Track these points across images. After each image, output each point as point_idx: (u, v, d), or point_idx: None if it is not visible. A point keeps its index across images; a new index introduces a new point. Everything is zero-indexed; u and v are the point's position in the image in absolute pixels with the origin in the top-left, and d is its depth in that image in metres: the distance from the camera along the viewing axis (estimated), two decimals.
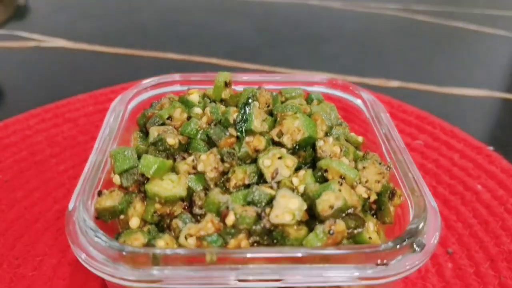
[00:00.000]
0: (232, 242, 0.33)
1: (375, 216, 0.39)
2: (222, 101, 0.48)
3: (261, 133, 0.40)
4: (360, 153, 0.43)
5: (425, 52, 1.08)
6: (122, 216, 0.37)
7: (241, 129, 0.40)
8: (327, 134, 0.43)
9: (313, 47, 1.08)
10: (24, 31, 1.06)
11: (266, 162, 0.38)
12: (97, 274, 0.32)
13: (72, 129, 0.67)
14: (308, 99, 0.51)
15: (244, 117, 0.41)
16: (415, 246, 0.33)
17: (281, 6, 1.35)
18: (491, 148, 0.65)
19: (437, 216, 0.36)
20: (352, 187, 0.37)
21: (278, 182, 0.38)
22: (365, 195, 0.38)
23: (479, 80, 0.93)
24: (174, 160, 0.40)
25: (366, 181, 0.39)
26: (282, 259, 0.31)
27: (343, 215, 0.35)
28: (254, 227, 0.33)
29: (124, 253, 0.31)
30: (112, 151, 0.40)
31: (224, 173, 0.39)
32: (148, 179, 0.37)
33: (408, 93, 0.86)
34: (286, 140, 0.40)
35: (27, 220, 0.52)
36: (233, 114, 0.42)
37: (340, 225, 0.33)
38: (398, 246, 0.32)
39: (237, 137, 0.41)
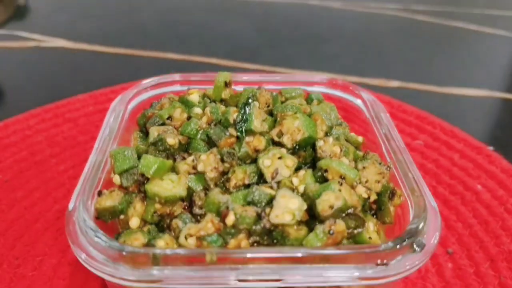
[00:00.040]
0: (232, 242, 0.33)
1: (375, 216, 0.39)
2: (222, 101, 0.48)
3: (261, 133, 0.40)
4: (360, 153, 0.43)
5: (425, 52, 1.08)
6: (122, 216, 0.37)
7: (241, 129, 0.40)
8: (327, 134, 0.43)
9: (313, 47, 1.08)
10: (24, 31, 1.06)
11: (266, 162, 0.38)
12: (97, 274, 0.32)
13: (72, 129, 0.67)
14: (308, 99, 0.51)
15: (244, 117, 0.41)
16: (415, 246, 0.33)
17: (281, 6, 1.35)
18: (491, 148, 0.65)
19: (437, 216, 0.36)
20: (352, 187, 0.37)
21: (278, 182, 0.38)
22: (365, 195, 0.38)
23: (479, 80, 0.93)
24: (174, 160, 0.40)
25: (366, 181, 0.39)
26: (282, 259, 0.31)
27: (343, 215, 0.35)
28: (254, 227, 0.33)
29: (124, 253, 0.31)
30: (112, 151, 0.40)
31: (224, 173, 0.39)
32: (148, 179, 0.37)
33: (408, 93, 0.86)
34: (286, 140, 0.40)
35: (27, 220, 0.52)
36: (233, 114, 0.42)
37: (340, 225, 0.33)
38: (398, 246, 0.32)
39: (237, 137, 0.41)
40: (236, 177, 0.38)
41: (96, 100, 0.74)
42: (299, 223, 0.34)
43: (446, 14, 1.30)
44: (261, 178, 0.39)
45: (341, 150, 0.40)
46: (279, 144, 0.41)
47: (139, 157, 0.39)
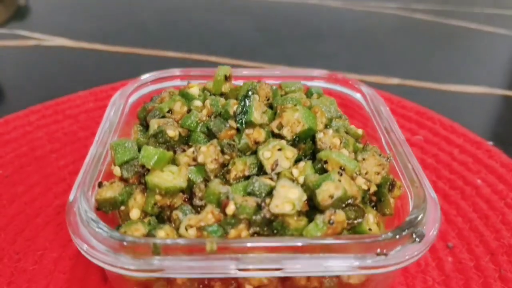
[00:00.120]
0: (232, 233, 0.33)
1: (375, 208, 0.40)
2: (222, 95, 0.48)
3: (261, 125, 0.41)
4: (360, 145, 0.43)
5: (425, 51, 1.08)
6: (122, 208, 0.37)
7: (241, 121, 0.40)
8: (326, 126, 0.43)
9: (313, 45, 1.08)
10: (24, 30, 1.07)
11: (266, 154, 0.38)
12: (98, 264, 0.32)
13: (73, 125, 0.68)
14: (308, 93, 0.51)
15: (244, 109, 0.41)
16: (414, 236, 0.33)
17: (281, 5, 1.35)
18: (490, 143, 0.65)
19: (437, 207, 0.36)
20: (352, 178, 0.37)
21: (278, 174, 0.38)
22: (365, 187, 0.38)
23: (478, 77, 0.94)
24: (174, 152, 0.40)
25: (366, 173, 0.39)
26: (282, 248, 0.32)
27: (343, 205, 0.35)
28: (254, 217, 0.33)
29: (125, 243, 0.31)
30: (113, 142, 0.40)
31: (224, 165, 0.39)
32: (148, 170, 0.37)
33: (407, 90, 0.86)
34: (286, 132, 0.40)
35: (27, 215, 0.52)
36: (233, 106, 0.42)
37: (340, 215, 0.33)
38: (397, 236, 0.32)
39: (237, 129, 0.41)
40: (236, 168, 0.38)
41: (96, 96, 0.74)
42: (299, 213, 0.34)
43: (445, 13, 1.30)
44: (261, 170, 0.39)
45: (340, 142, 0.40)
46: (279, 136, 0.41)
47: (139, 150, 0.39)
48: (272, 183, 0.36)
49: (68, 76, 0.88)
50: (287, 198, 0.33)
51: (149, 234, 0.34)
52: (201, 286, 0.36)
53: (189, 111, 0.45)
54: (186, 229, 0.33)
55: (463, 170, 0.61)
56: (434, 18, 1.27)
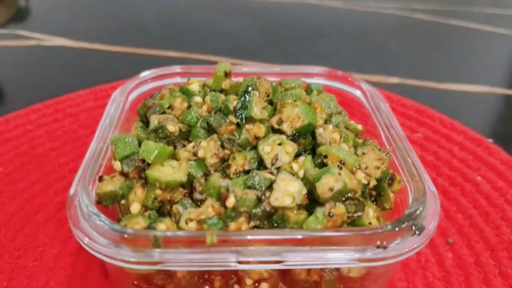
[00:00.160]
0: (233, 226, 0.33)
1: (375, 203, 0.40)
2: (222, 91, 0.48)
3: (261, 121, 0.41)
4: (360, 141, 0.43)
5: (425, 51, 1.08)
6: (123, 202, 0.37)
7: (241, 116, 0.40)
8: (326, 122, 0.43)
9: (313, 45, 1.08)
10: (25, 30, 1.07)
11: (266, 148, 0.38)
12: (99, 257, 0.32)
13: (73, 123, 0.68)
14: (308, 90, 0.51)
15: (244, 104, 0.41)
16: (414, 229, 0.33)
17: (281, 6, 1.36)
18: (490, 140, 0.65)
19: (437, 201, 0.36)
20: (352, 173, 0.37)
21: (278, 168, 0.38)
22: (365, 181, 0.38)
23: (479, 77, 0.94)
24: (175, 147, 0.40)
25: (366, 167, 0.39)
26: (282, 241, 0.32)
27: (343, 199, 0.35)
28: (254, 210, 0.33)
29: (125, 235, 0.31)
30: (113, 137, 0.40)
31: (224, 160, 0.39)
32: (148, 164, 0.38)
33: (408, 89, 0.86)
34: (286, 127, 0.40)
35: (28, 212, 0.52)
36: (233, 102, 0.42)
37: (340, 208, 0.33)
38: (397, 229, 0.32)
39: (237, 124, 0.41)
40: (236, 163, 0.38)
41: (97, 95, 0.74)
42: (299, 207, 0.34)
43: (445, 13, 1.31)
44: (261, 165, 0.39)
45: (340, 137, 0.40)
46: (279, 132, 0.41)
47: (139, 145, 0.39)
48: (272, 177, 0.36)
49: (68, 76, 0.88)
50: (287, 191, 0.33)
51: (150, 227, 0.34)
52: (201, 280, 0.36)
53: (189, 107, 0.45)
54: (186, 223, 0.33)
55: (463, 167, 0.61)
56: (434, 18, 1.27)
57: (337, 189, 0.33)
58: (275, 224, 0.34)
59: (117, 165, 0.38)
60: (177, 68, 0.54)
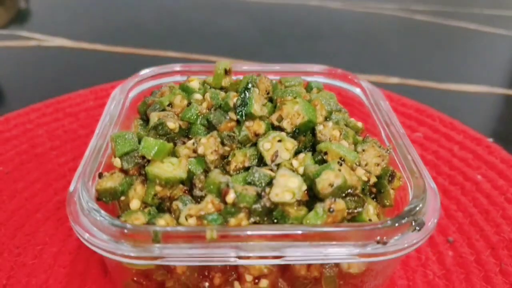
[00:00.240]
0: (232, 222, 0.33)
1: (375, 200, 0.39)
2: (222, 89, 0.48)
3: (261, 118, 0.41)
4: (360, 138, 0.43)
5: (425, 51, 1.09)
6: (122, 198, 0.37)
7: (241, 113, 0.40)
8: (326, 119, 0.43)
9: (313, 46, 1.09)
10: (25, 30, 1.07)
11: (266, 145, 0.38)
12: (99, 253, 0.32)
13: (73, 123, 0.68)
14: (308, 88, 0.51)
15: (244, 101, 0.41)
16: (414, 224, 0.33)
17: (281, 6, 1.36)
18: (490, 139, 0.65)
19: (437, 197, 0.36)
20: (352, 169, 0.37)
21: (278, 165, 0.38)
22: (365, 178, 0.38)
23: (478, 77, 0.94)
24: (175, 144, 0.40)
25: (366, 164, 0.39)
26: (282, 236, 0.32)
27: (343, 195, 0.35)
28: (254, 206, 0.33)
29: (125, 230, 0.31)
30: (113, 134, 0.40)
31: (224, 156, 0.39)
32: (148, 161, 0.37)
33: (407, 89, 0.86)
34: (286, 124, 0.40)
35: (27, 210, 0.52)
36: (233, 99, 0.42)
37: (340, 204, 0.33)
38: (397, 224, 0.32)
39: (237, 121, 0.41)
40: (236, 159, 0.38)
41: (97, 95, 0.74)
42: (299, 203, 0.34)
43: (445, 14, 1.31)
44: (261, 161, 0.39)
45: (340, 134, 0.40)
46: (278, 129, 0.41)
47: (139, 142, 0.39)
48: (272, 174, 0.36)
49: (68, 76, 0.88)
50: (287, 187, 0.33)
51: (149, 223, 0.34)
52: (201, 276, 0.36)
53: (189, 104, 0.45)
54: (186, 219, 0.33)
55: (463, 166, 0.61)
56: (434, 19, 1.27)
57: (337, 185, 0.33)
58: (275, 220, 0.34)
59: (117, 161, 0.38)
60: (177, 66, 0.54)
